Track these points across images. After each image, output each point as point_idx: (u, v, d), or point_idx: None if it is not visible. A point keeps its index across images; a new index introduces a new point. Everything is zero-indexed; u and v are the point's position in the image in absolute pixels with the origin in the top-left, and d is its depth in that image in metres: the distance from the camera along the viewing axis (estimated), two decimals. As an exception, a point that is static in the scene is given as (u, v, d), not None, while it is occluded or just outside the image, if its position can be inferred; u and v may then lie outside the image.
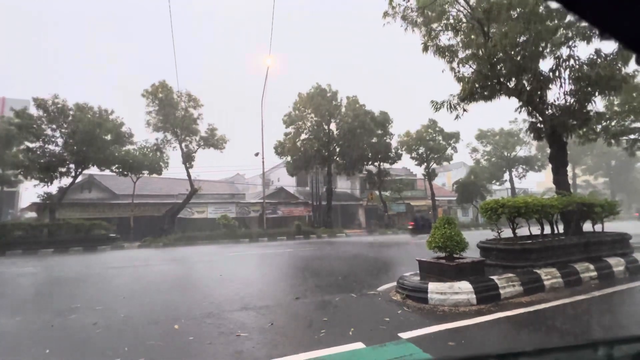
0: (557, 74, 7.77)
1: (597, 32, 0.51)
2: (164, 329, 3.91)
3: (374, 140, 26.24)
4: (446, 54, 8.83)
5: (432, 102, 9.11)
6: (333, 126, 26.44)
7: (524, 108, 8.62)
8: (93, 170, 21.30)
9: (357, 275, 7.39)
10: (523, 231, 6.50)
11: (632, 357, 0.85)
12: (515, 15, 7.37)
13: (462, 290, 4.56)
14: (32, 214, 24.03)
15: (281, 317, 4.35)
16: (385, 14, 9.07)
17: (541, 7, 6.96)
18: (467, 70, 8.57)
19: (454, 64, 8.78)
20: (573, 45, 7.60)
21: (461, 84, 8.51)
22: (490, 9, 7.37)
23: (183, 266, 10.66)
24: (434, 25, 8.88)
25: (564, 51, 7.73)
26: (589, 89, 7.58)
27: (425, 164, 29.80)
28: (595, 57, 7.40)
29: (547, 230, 6.96)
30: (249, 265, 10.35)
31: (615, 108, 12.71)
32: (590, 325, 3.96)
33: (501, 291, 4.77)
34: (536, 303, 4.59)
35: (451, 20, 8.70)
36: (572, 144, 12.61)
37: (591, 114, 8.26)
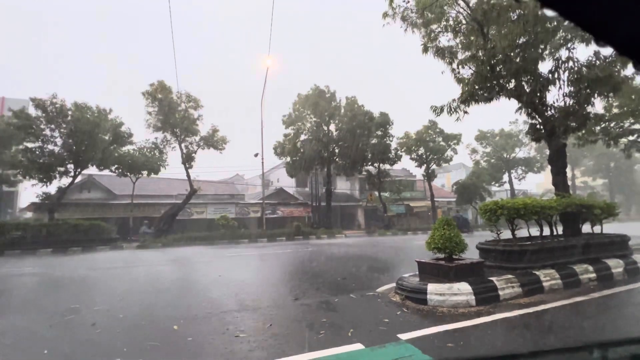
0: (556, 75, 7.80)
1: (593, 39, 0.52)
2: (163, 330, 3.91)
3: (374, 141, 26.27)
4: (446, 55, 8.86)
5: (432, 107, 9.14)
6: (332, 127, 26.48)
7: (523, 109, 8.65)
8: (92, 170, 21.30)
9: (356, 276, 7.39)
10: (522, 232, 6.51)
11: (629, 359, 0.86)
12: (515, 17, 7.39)
13: (462, 291, 4.57)
14: (31, 214, 24.01)
15: (280, 317, 4.35)
16: (385, 15, 9.10)
17: (540, 11, 6.98)
18: (467, 72, 8.60)
19: (454, 65, 8.81)
20: (572, 47, 7.62)
21: (461, 85, 8.54)
22: (490, 10, 7.40)
23: (182, 267, 10.65)
24: (434, 27, 8.91)
25: (563, 53, 7.76)
26: (588, 90, 7.61)
27: (425, 165, 29.83)
28: (594, 59, 7.43)
29: (547, 231, 6.97)
30: (248, 266, 10.35)
31: (615, 110, 12.75)
32: (588, 327, 3.97)
33: (500, 292, 4.78)
34: (535, 304, 4.59)
35: (451, 22, 8.73)
36: (571, 146, 12.65)
37: (590, 115, 8.28)
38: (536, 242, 6.23)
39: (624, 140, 13.84)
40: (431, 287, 4.68)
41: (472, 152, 36.83)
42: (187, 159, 22.80)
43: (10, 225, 17.62)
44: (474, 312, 4.26)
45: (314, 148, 25.23)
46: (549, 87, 7.97)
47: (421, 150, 29.24)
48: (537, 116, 8.52)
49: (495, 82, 8.07)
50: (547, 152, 8.71)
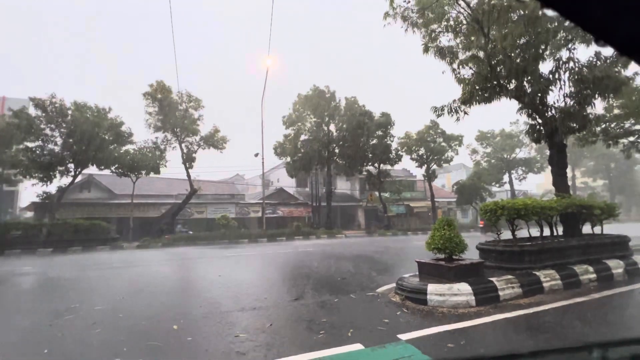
0: (557, 76, 7.80)
1: (594, 39, 0.52)
2: (163, 329, 3.91)
3: (374, 141, 26.27)
4: (447, 55, 8.86)
5: (432, 108, 9.15)
6: (332, 127, 26.48)
7: (524, 110, 8.64)
8: (92, 169, 21.32)
9: (356, 276, 7.39)
10: (522, 233, 6.51)
11: (629, 359, 0.86)
12: (515, 17, 7.39)
13: (462, 291, 4.57)
14: (31, 214, 24.02)
15: (280, 317, 4.35)
16: (386, 15, 9.11)
17: (541, 11, 6.98)
18: (468, 72, 8.60)
19: (455, 66, 8.81)
20: (573, 47, 7.63)
21: (462, 85, 8.54)
22: (490, 10, 7.39)
23: (182, 266, 10.66)
24: (434, 27, 8.91)
25: (564, 53, 7.76)
26: (589, 91, 7.61)
27: (426, 165, 29.83)
28: (594, 60, 7.43)
29: (547, 232, 6.97)
30: (248, 266, 10.35)
31: (616, 111, 12.74)
32: (588, 327, 3.96)
33: (500, 293, 4.77)
34: (535, 305, 4.59)
35: (451, 22, 8.73)
36: (571, 146, 12.65)
37: (591, 116, 8.28)
38: (536, 242, 6.23)
39: (623, 140, 13.83)
40: (431, 288, 4.68)
41: (473, 153, 36.85)
42: (188, 159, 22.80)
43: (11, 225, 17.65)
44: (474, 313, 4.26)
45: (314, 148, 25.24)
46: (550, 88, 7.98)
47: (422, 151, 29.24)
48: (537, 117, 8.52)
49: (495, 82, 8.07)
50: (548, 152, 8.70)
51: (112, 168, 20.64)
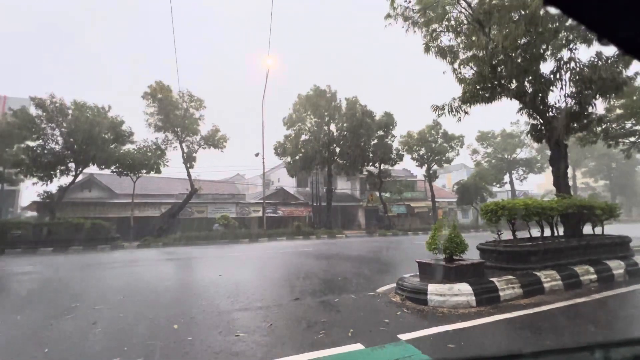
0: (558, 76, 7.78)
1: (596, 37, 0.51)
2: (163, 329, 3.91)
3: (375, 141, 26.25)
4: (447, 55, 8.84)
5: (433, 106, 9.12)
6: (333, 127, 26.46)
7: (525, 110, 8.63)
8: (93, 169, 21.34)
9: (356, 276, 7.38)
10: (523, 233, 6.50)
11: (630, 359, 0.85)
12: (516, 17, 7.38)
13: (462, 292, 4.56)
14: (33, 213, 24.04)
15: (280, 317, 4.35)
16: (388, 16, 9.10)
17: (542, 10, 6.97)
18: (469, 72, 8.59)
19: (455, 65, 8.79)
20: (574, 47, 7.61)
21: (462, 85, 8.52)
22: (491, 10, 7.38)
23: (182, 266, 10.66)
24: (435, 26, 8.90)
25: (565, 53, 7.74)
26: (590, 91, 7.59)
27: (426, 165, 29.80)
28: (596, 60, 7.41)
29: (547, 232, 6.96)
30: (249, 266, 10.35)
31: (618, 110, 12.72)
32: (589, 328, 3.95)
33: (501, 293, 4.77)
34: (535, 305, 4.58)
35: (452, 22, 8.72)
36: (572, 147, 12.62)
37: (592, 116, 8.26)
38: (537, 243, 6.22)
39: (624, 141, 13.81)
40: (431, 288, 4.67)
41: (473, 153, 36.81)
42: (188, 159, 22.82)
43: (12, 224, 17.67)
44: (474, 313, 4.26)
45: (314, 148, 25.22)
46: (551, 88, 7.96)
47: (422, 151, 29.22)
48: (538, 117, 8.50)
49: (496, 82, 8.06)
50: (548, 152, 8.69)
51: (113, 167, 20.66)
